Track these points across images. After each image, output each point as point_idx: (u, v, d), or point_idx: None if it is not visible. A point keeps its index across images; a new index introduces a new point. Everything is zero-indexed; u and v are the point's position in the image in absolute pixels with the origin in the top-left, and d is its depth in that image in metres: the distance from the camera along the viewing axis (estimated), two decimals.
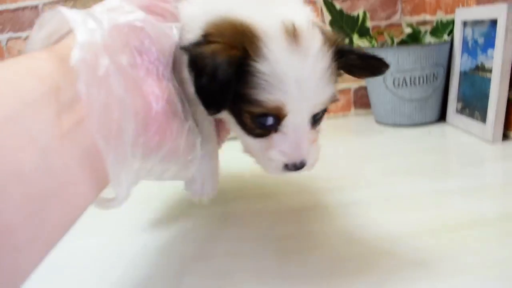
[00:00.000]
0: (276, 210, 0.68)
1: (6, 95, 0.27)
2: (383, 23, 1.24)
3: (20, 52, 1.23)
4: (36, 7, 1.23)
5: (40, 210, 0.26)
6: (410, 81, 1.05)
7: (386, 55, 1.04)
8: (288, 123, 0.42)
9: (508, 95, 0.89)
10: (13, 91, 0.27)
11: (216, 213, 0.69)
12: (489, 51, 0.92)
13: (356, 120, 1.25)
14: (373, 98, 1.15)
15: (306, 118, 0.43)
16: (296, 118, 0.42)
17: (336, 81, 0.44)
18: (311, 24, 0.42)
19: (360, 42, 1.10)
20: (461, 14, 1.02)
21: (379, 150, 0.95)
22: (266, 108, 0.40)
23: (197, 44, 0.40)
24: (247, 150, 0.48)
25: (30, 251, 0.27)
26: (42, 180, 0.26)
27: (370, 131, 1.12)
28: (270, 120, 0.42)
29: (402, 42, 1.12)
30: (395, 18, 1.24)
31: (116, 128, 0.31)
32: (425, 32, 1.10)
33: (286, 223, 0.63)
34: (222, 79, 0.38)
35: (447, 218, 0.60)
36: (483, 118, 0.94)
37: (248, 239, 0.59)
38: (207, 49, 0.39)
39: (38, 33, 0.36)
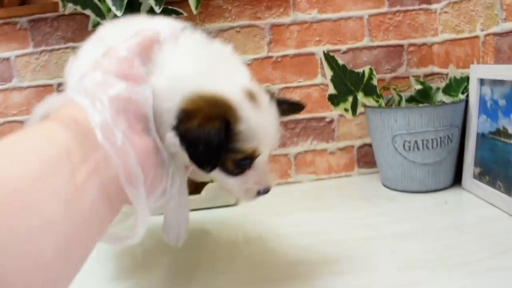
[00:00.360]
0: None
1: (33, 160, 0.34)
2: (387, 76, 1.14)
3: None
4: (7, 59, 1.11)
5: (67, 250, 0.34)
6: (423, 144, 0.94)
7: (396, 116, 0.94)
8: (258, 161, 0.54)
9: None
10: (38, 156, 0.35)
11: None
12: None
13: (361, 181, 1.14)
14: (380, 160, 1.04)
15: (267, 155, 0.56)
16: (264, 157, 0.55)
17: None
18: (255, 83, 0.55)
19: (365, 101, 1.00)
20: (478, 72, 0.93)
21: (391, 227, 0.83)
22: (246, 154, 0.52)
23: (181, 121, 0.48)
24: (225, 188, 0.58)
25: (62, 282, 0.34)
26: (67, 226, 0.34)
27: (377, 197, 1.00)
28: (247, 162, 0.54)
29: (411, 99, 1.02)
30: (401, 71, 1.14)
31: (136, 180, 0.41)
32: (437, 89, 1.00)
33: None
34: (216, 145, 0.48)
35: None
36: (507, 189, 0.83)
37: None
38: (193, 124, 0.47)
39: (41, 108, 0.44)
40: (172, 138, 0.48)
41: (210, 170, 0.51)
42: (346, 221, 0.89)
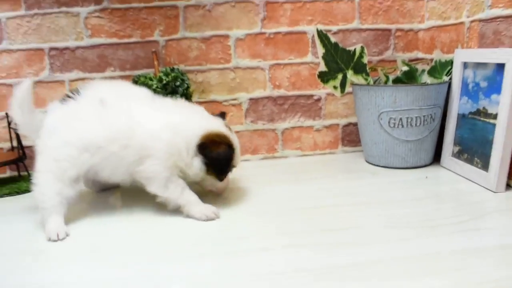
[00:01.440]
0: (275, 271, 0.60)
1: None
2: (374, 59, 1.19)
3: None
4: None
5: None
6: (407, 122, 0.99)
7: (383, 93, 0.99)
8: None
9: None
10: None
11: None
12: (493, 96, 0.88)
13: (344, 158, 1.18)
14: (365, 137, 1.08)
15: None
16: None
17: None
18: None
19: (354, 79, 1.04)
20: (462, 55, 0.98)
21: (375, 196, 0.88)
22: (234, 167, 0.88)
23: (204, 150, 0.81)
24: (213, 187, 0.88)
25: None
26: None
27: (361, 171, 1.05)
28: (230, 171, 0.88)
29: (397, 80, 1.07)
30: (387, 54, 1.19)
31: None
32: (422, 71, 1.06)
33: None
34: (230, 159, 0.84)
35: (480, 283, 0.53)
36: (485, 166, 0.89)
37: None
38: (213, 150, 0.81)
39: None
40: (198, 163, 0.81)
41: (223, 177, 0.86)
42: (332, 190, 0.93)
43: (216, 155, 0.80)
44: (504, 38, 0.87)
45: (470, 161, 0.95)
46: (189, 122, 0.82)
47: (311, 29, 1.15)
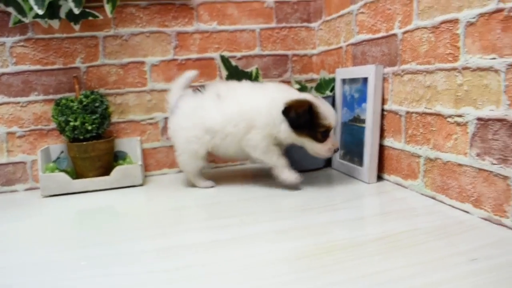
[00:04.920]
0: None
1: None
2: (275, 80, 1.36)
3: None
4: None
5: None
6: None
7: None
8: (331, 133, 1.01)
9: (380, 142, 1.02)
10: None
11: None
12: (363, 104, 1.06)
13: (251, 167, 1.33)
14: None
15: (334, 129, 1.03)
16: (333, 130, 1.02)
17: None
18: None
19: None
20: (340, 73, 1.17)
21: (264, 192, 1.03)
22: (327, 127, 0.99)
23: (288, 109, 0.98)
24: (313, 151, 1.02)
25: None
26: None
27: (259, 176, 1.20)
28: (326, 132, 0.99)
29: None
30: (286, 76, 1.37)
31: None
32: (311, 88, 1.23)
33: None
34: (307, 115, 0.98)
35: (333, 241, 0.68)
36: (361, 163, 1.06)
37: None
38: (296, 110, 0.97)
39: None
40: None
41: (300, 130, 0.99)
42: (226, 192, 1.07)
43: (293, 113, 0.97)
44: (368, 57, 1.07)
45: (351, 160, 1.12)
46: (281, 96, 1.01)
47: (218, 56, 1.31)
